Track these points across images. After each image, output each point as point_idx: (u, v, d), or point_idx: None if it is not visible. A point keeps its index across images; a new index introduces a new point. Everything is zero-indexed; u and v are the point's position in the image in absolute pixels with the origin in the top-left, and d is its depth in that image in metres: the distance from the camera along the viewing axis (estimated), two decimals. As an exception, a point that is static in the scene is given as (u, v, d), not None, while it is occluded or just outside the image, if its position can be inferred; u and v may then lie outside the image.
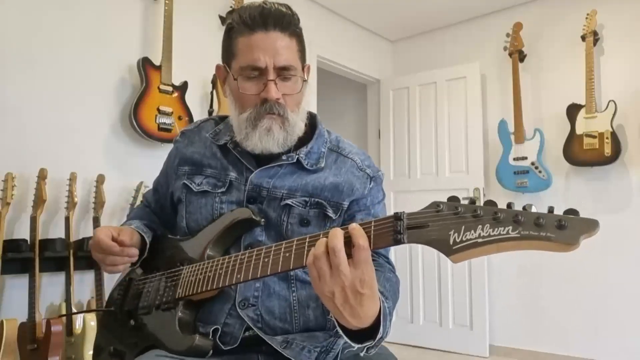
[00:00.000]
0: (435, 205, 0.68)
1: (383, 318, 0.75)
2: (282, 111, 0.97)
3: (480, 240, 0.62)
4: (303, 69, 1.02)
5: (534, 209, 0.61)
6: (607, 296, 3.12)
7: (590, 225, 0.58)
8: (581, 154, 3.10)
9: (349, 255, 0.70)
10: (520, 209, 0.62)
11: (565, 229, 0.58)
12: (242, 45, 0.96)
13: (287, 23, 0.96)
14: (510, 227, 0.61)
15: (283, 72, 0.96)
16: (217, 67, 1.05)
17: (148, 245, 1.08)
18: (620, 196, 3.13)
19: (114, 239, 0.99)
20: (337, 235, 0.70)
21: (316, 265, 0.71)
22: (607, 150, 2.99)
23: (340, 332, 0.76)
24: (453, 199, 0.67)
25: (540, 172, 3.26)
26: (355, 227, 0.71)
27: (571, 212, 0.60)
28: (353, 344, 0.76)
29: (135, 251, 1.02)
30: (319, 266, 0.70)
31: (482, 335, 3.46)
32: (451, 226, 0.65)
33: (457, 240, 0.64)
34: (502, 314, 3.50)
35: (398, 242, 0.69)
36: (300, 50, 1.01)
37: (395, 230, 0.70)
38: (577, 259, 3.22)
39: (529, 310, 3.41)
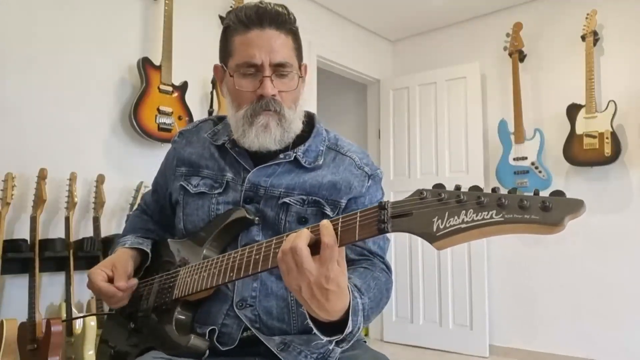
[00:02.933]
0: (419, 192, 0.66)
1: (352, 313, 0.75)
2: (279, 108, 0.97)
3: (463, 225, 0.60)
4: (300, 67, 1.02)
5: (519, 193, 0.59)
6: (607, 296, 3.11)
7: (576, 206, 0.56)
8: (581, 154, 3.10)
9: (319, 252, 0.70)
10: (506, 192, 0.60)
11: (550, 210, 0.56)
12: (238, 43, 0.97)
13: (283, 21, 0.97)
14: (494, 211, 0.59)
15: (279, 68, 0.97)
16: (215, 67, 1.06)
17: (150, 255, 1.09)
18: (620, 196, 3.13)
19: (109, 280, 1.00)
20: (301, 236, 0.71)
21: (284, 260, 0.72)
22: (607, 150, 2.99)
23: (310, 323, 0.76)
24: (438, 186, 0.65)
25: (540, 172, 3.26)
26: (324, 225, 0.71)
27: (557, 193, 0.58)
28: (322, 337, 0.77)
29: (134, 282, 1.03)
30: (287, 261, 0.71)
31: (482, 335, 3.46)
32: (435, 213, 0.63)
33: (441, 227, 0.62)
34: (502, 314, 3.49)
35: (382, 231, 0.68)
36: (296, 48, 1.01)
37: (380, 219, 0.69)
38: (577, 259, 3.22)
39: (529, 310, 3.40)
